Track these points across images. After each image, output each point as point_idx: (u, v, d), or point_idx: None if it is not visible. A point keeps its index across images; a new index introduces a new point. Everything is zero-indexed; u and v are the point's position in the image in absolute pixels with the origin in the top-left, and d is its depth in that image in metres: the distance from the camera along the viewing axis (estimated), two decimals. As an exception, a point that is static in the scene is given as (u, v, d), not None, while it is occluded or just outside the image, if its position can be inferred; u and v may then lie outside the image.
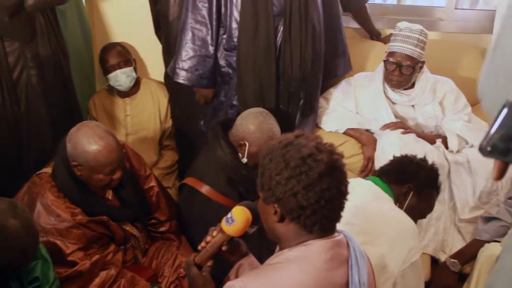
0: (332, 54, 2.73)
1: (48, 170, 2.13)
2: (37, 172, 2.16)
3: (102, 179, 2.05)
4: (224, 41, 2.51)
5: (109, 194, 2.20)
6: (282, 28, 2.44)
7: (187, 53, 2.52)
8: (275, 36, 2.45)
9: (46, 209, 2.01)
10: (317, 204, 1.32)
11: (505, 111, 0.98)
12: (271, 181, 1.35)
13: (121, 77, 3.01)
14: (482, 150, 1.00)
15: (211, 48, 2.51)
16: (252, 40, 2.43)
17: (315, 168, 1.32)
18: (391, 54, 2.66)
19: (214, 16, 2.46)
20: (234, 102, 2.58)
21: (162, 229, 2.39)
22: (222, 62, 2.55)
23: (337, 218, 1.41)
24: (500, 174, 1.05)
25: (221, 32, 2.51)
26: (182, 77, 2.57)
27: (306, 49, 2.48)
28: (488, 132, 0.99)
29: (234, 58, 2.51)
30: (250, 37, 2.43)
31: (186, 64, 2.54)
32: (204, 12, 2.46)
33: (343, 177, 1.38)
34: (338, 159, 1.37)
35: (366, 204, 1.93)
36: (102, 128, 2.08)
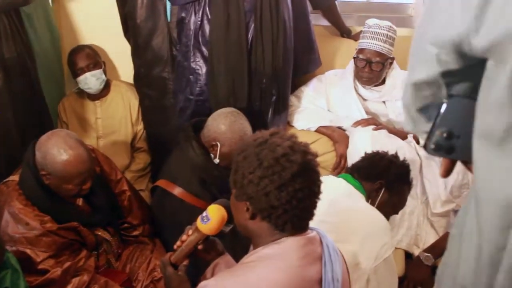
0: (302, 51, 2.74)
1: (15, 178, 2.10)
2: (4, 180, 2.12)
3: (71, 189, 2.03)
4: (197, 32, 2.49)
5: (80, 200, 2.18)
6: (253, 24, 2.44)
7: None
8: (247, 32, 2.45)
9: (14, 217, 1.98)
10: (289, 204, 1.33)
11: (444, 107, 0.98)
12: (244, 179, 1.35)
13: (91, 80, 2.97)
14: (426, 148, 1.01)
15: None
16: (224, 35, 2.42)
17: (288, 169, 1.32)
18: (360, 51, 2.67)
19: None
20: (202, 98, 2.56)
21: (135, 233, 2.37)
22: (192, 57, 2.52)
23: (310, 216, 1.41)
24: (447, 171, 1.06)
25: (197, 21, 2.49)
26: None
27: (277, 45, 2.48)
28: (431, 130, 0.99)
29: (205, 54, 2.49)
30: (222, 33, 2.42)
31: None
32: None
33: (316, 177, 1.38)
34: (311, 160, 1.37)
35: (338, 201, 1.94)
36: (73, 137, 2.04)
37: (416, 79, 1.01)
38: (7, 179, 2.12)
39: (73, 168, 1.97)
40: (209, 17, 2.43)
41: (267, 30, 2.44)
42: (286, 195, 1.32)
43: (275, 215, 1.34)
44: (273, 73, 2.51)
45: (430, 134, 1.00)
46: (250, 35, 2.46)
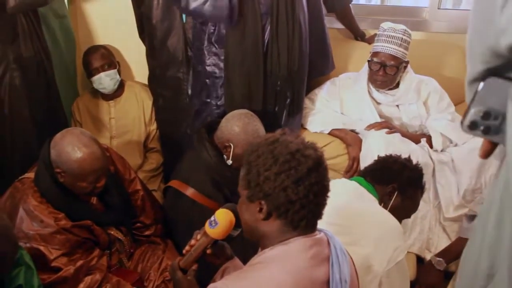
0: (316, 53, 2.74)
1: (30, 175, 2.11)
2: (20, 177, 2.14)
3: (85, 186, 2.04)
4: (212, 39, 2.49)
5: (94, 199, 2.18)
6: (269, 27, 2.44)
7: None
8: (263, 34, 2.45)
9: (29, 214, 1.99)
10: (306, 198, 1.34)
11: (481, 85, 0.97)
12: (259, 177, 1.36)
13: (105, 80, 2.99)
14: (462, 126, 0.99)
15: None
16: (240, 38, 2.42)
17: (304, 163, 1.34)
18: (375, 54, 2.67)
19: None
20: (219, 103, 2.57)
21: (147, 232, 2.37)
22: (208, 61, 2.53)
23: (320, 214, 1.42)
24: (486, 153, 1.03)
25: (211, 29, 2.49)
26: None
27: (293, 48, 2.48)
28: (468, 107, 0.98)
29: (222, 57, 2.50)
30: (238, 36, 2.42)
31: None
32: None
33: (327, 173, 1.41)
34: (322, 156, 1.40)
35: (350, 204, 1.93)
36: (87, 135, 2.05)
37: (469, 77, 1.02)
38: (22, 176, 2.13)
39: (87, 165, 1.99)
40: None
41: (283, 32, 2.44)
42: (303, 189, 1.34)
43: (293, 210, 1.35)
44: (288, 75, 2.52)
45: (467, 111, 0.98)
46: (266, 38, 2.46)
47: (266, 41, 2.47)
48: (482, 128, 0.97)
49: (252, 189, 1.38)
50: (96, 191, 2.09)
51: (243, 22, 2.40)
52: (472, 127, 0.98)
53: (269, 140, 1.40)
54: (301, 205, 1.35)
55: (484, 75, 0.98)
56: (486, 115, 0.96)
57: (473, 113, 0.97)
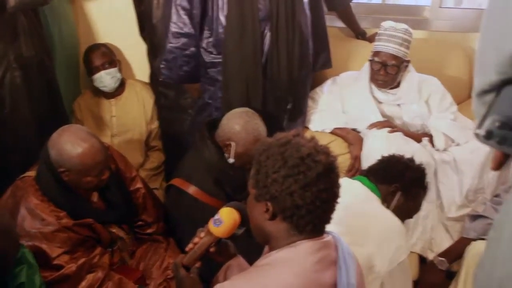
0: (317, 48, 2.73)
1: (31, 173, 2.11)
2: (21, 176, 2.14)
3: (91, 181, 2.04)
4: (210, 44, 2.49)
5: (95, 197, 2.19)
6: (269, 32, 2.44)
7: (171, 53, 2.52)
8: (262, 40, 2.44)
9: (31, 213, 1.99)
10: (313, 204, 1.32)
11: (502, 93, 0.95)
12: (267, 179, 1.35)
13: (106, 78, 2.99)
14: (477, 135, 0.97)
15: (194, 50, 2.51)
16: (238, 44, 2.42)
17: (314, 169, 1.32)
18: (376, 53, 2.67)
19: (196, 19, 2.45)
20: (219, 105, 2.57)
21: (149, 231, 2.37)
22: (209, 64, 2.53)
23: (328, 219, 1.41)
24: (498, 164, 1.02)
25: (207, 34, 2.49)
26: (166, 76, 2.57)
27: (293, 53, 2.48)
28: (483, 116, 0.97)
29: (220, 61, 2.50)
30: (236, 42, 2.41)
31: (170, 64, 2.54)
32: (184, 14, 2.45)
33: (338, 179, 1.38)
34: (334, 161, 1.37)
35: (353, 204, 1.93)
36: (84, 130, 2.07)
37: (478, 89, 1.00)
38: (23, 175, 2.13)
39: (89, 159, 1.99)
40: (223, 25, 2.43)
41: (283, 38, 2.44)
42: (311, 195, 1.32)
43: (298, 215, 1.34)
44: (289, 81, 2.51)
45: (482, 120, 0.96)
46: (265, 44, 2.45)
47: (266, 46, 2.46)
48: (497, 139, 0.95)
49: (260, 189, 1.37)
50: (101, 184, 2.10)
51: (241, 28, 2.39)
52: (488, 137, 0.95)
53: (281, 141, 1.38)
54: (307, 211, 1.33)
55: (499, 86, 0.95)
56: (503, 125, 0.94)
57: (489, 123, 0.95)
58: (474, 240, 2.33)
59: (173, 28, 2.48)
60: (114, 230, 2.20)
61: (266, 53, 2.47)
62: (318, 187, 1.32)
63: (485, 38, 1.00)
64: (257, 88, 2.49)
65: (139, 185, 2.35)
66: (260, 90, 2.50)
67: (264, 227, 1.40)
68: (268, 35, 2.44)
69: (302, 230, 1.36)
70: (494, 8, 0.97)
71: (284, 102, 2.58)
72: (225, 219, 1.51)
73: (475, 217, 2.43)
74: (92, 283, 2.02)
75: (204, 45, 2.50)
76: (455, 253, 2.43)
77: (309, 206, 1.32)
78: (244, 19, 2.39)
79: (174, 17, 2.47)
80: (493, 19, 0.98)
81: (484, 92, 0.99)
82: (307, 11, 2.54)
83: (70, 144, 1.99)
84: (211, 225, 1.52)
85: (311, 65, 2.64)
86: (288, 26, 2.43)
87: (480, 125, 0.97)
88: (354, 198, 1.97)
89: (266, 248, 1.48)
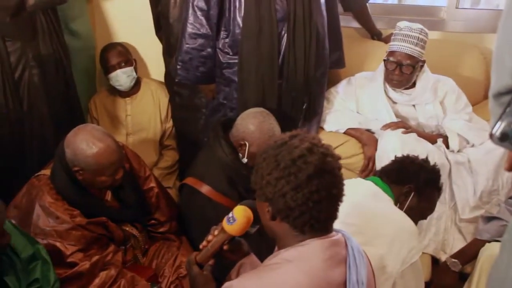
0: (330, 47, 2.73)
1: (46, 172, 2.13)
2: (36, 174, 2.16)
3: (105, 180, 2.06)
4: (226, 44, 2.50)
5: (108, 196, 2.20)
6: (285, 33, 2.44)
7: (187, 54, 2.52)
8: (279, 41, 2.44)
9: (45, 211, 2.01)
10: (305, 205, 1.33)
11: None
12: (262, 180, 1.37)
13: (122, 77, 3.02)
14: (492, 137, 0.97)
15: (210, 51, 2.50)
16: (255, 45, 2.41)
17: (304, 170, 1.32)
18: (391, 53, 2.66)
19: (213, 20, 2.45)
20: (234, 106, 2.57)
21: (161, 229, 2.38)
22: (224, 65, 2.54)
23: (330, 218, 1.41)
24: None
25: (224, 35, 2.50)
26: (182, 76, 2.57)
27: (310, 54, 2.47)
28: (499, 117, 0.97)
29: (236, 61, 2.50)
30: (253, 42, 2.41)
31: (186, 65, 2.54)
32: (201, 15, 2.45)
33: (336, 180, 1.37)
34: (330, 162, 1.36)
35: (365, 204, 1.93)
36: (99, 130, 2.08)
37: (494, 90, 0.99)
38: (38, 173, 2.16)
39: (104, 159, 2.00)
40: (240, 26, 2.42)
41: (300, 39, 2.43)
42: (302, 197, 1.32)
43: (292, 216, 1.35)
44: (305, 81, 2.51)
45: (497, 122, 0.96)
46: (283, 45, 2.45)
47: (282, 48, 2.45)
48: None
49: (258, 190, 1.40)
50: (115, 184, 2.11)
51: (258, 29, 2.39)
52: (503, 138, 0.96)
53: (278, 143, 1.39)
54: (300, 212, 1.34)
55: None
56: None
57: (505, 125, 0.95)
58: (488, 241, 2.31)
59: (190, 29, 2.48)
60: (127, 228, 2.22)
61: (283, 54, 2.46)
62: (310, 188, 1.32)
63: (502, 40, 0.99)
64: (273, 89, 2.49)
65: (152, 184, 2.37)
66: (276, 91, 2.50)
67: (270, 226, 1.42)
68: (285, 37, 2.45)
69: (302, 230, 1.37)
70: (510, 12, 0.97)
71: (300, 102, 2.58)
72: (239, 217, 1.52)
73: (489, 218, 2.41)
74: (105, 281, 2.03)
75: (220, 45, 2.51)
76: (469, 254, 2.41)
77: (301, 208, 1.33)
78: (262, 20, 2.39)
79: (191, 18, 2.47)
80: (509, 22, 0.97)
81: (500, 94, 0.99)
82: (324, 13, 2.54)
83: (85, 143, 2.00)
84: (225, 223, 1.53)
85: (327, 66, 2.64)
86: (305, 26, 2.43)
87: (494, 127, 0.97)
88: (367, 198, 1.97)
89: (276, 246, 1.49)
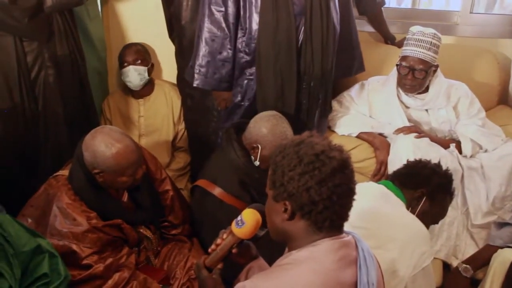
0: (348, 55, 2.74)
1: (65, 172, 2.14)
2: (54, 174, 2.17)
3: (126, 181, 2.06)
4: (243, 43, 2.50)
5: (124, 197, 2.21)
6: (303, 27, 2.44)
7: (204, 57, 2.52)
8: (297, 35, 2.45)
9: (62, 212, 2.02)
10: (329, 199, 1.35)
11: None
12: (284, 177, 1.37)
13: (133, 74, 3.03)
14: None
15: (229, 52, 2.50)
16: (273, 39, 2.42)
17: (328, 164, 1.34)
18: (404, 58, 2.65)
19: (231, 20, 2.45)
20: (253, 103, 2.57)
21: (174, 232, 2.40)
22: (245, 64, 2.53)
23: (346, 217, 1.42)
24: None
25: (240, 34, 2.50)
26: (200, 81, 2.57)
27: (327, 47, 2.48)
28: None
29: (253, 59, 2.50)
30: (271, 37, 2.42)
31: (204, 69, 2.53)
32: (219, 16, 2.45)
33: (353, 175, 1.41)
34: (348, 158, 1.40)
35: (377, 208, 1.93)
36: (117, 131, 2.08)
37: None
38: (57, 173, 2.17)
39: (124, 160, 2.01)
40: (258, 21, 2.43)
41: (317, 33, 2.44)
42: (327, 190, 1.34)
43: (316, 211, 1.36)
44: (322, 75, 2.52)
45: None
46: (300, 38, 2.46)
47: (300, 41, 2.46)
48: None
49: (277, 189, 1.40)
50: (135, 184, 2.12)
51: (276, 23, 2.40)
52: None
53: (295, 141, 1.41)
54: (324, 206, 1.35)
55: None
56: None
57: None
58: (501, 247, 2.30)
59: (207, 31, 2.47)
60: (141, 230, 2.23)
61: (300, 47, 2.47)
62: (334, 182, 1.34)
63: None
64: (291, 83, 2.50)
65: (168, 187, 2.38)
66: (295, 84, 2.50)
67: (284, 227, 1.42)
68: (302, 30, 2.45)
69: (321, 226, 1.38)
70: None
71: (316, 97, 2.58)
72: (247, 220, 1.52)
73: (501, 224, 2.40)
74: (118, 282, 2.04)
75: (238, 45, 2.52)
76: (481, 260, 2.40)
77: (325, 202, 1.35)
78: (279, 13, 2.39)
79: (207, 20, 2.46)
80: None
81: None
82: (338, 11, 2.55)
83: (104, 145, 2.00)
84: (233, 226, 1.54)
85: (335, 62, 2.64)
86: (322, 21, 2.43)
87: None
88: (379, 202, 1.96)
89: (287, 248, 1.50)
